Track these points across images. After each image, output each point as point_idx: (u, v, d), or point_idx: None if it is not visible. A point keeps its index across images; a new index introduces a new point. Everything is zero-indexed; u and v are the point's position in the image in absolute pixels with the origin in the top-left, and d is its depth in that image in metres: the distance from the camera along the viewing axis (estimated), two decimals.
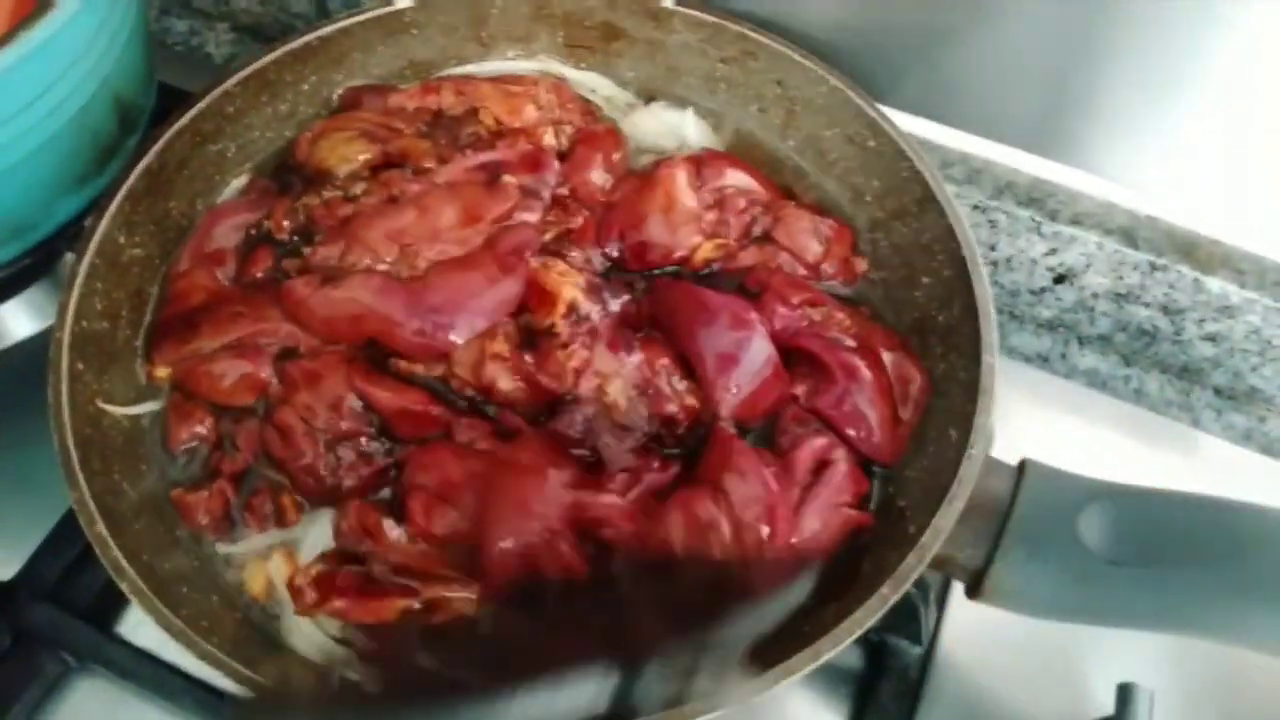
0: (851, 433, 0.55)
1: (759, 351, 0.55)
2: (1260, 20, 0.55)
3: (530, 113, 0.66)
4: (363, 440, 0.54)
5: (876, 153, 0.63)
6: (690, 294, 0.57)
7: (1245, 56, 0.58)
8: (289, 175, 0.64)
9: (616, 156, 0.66)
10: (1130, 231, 0.69)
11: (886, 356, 0.57)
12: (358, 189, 0.61)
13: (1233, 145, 0.63)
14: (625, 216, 0.62)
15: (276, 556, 0.54)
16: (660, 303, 0.58)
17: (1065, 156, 0.69)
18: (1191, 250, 0.68)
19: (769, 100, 0.68)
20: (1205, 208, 0.67)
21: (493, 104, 0.67)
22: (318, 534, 0.54)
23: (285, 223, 0.61)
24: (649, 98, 0.70)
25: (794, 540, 0.50)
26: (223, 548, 0.55)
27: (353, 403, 0.54)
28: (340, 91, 0.68)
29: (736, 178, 0.64)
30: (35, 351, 0.72)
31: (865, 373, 0.56)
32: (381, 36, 0.68)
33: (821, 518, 0.51)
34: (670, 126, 0.69)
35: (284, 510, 0.54)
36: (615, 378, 0.55)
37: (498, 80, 0.69)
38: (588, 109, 0.69)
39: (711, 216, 0.63)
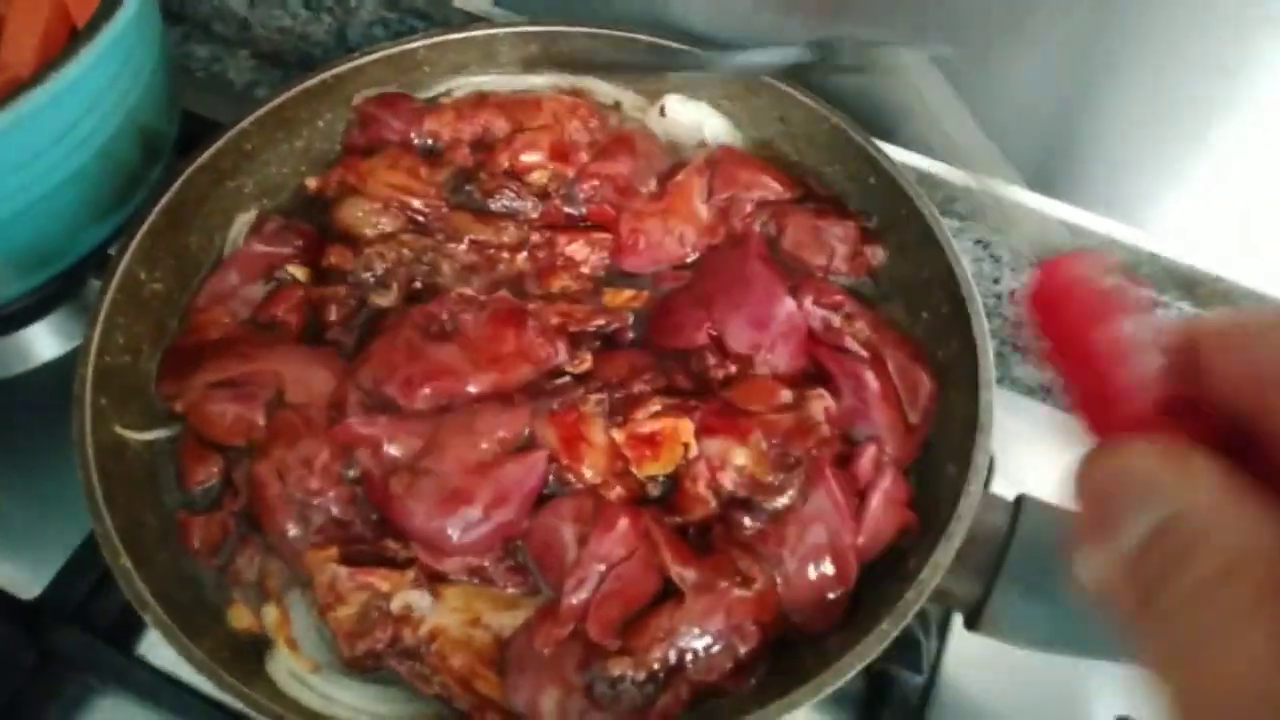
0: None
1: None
2: (1258, 63, 0.56)
3: (550, 118, 0.68)
4: (333, 504, 0.54)
5: (876, 190, 0.64)
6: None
7: (1244, 97, 0.59)
8: (314, 217, 0.66)
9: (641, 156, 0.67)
10: (1131, 268, 0.70)
11: (896, 362, 0.59)
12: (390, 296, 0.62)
13: (1233, 183, 0.64)
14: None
15: (271, 609, 0.53)
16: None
17: (1067, 194, 0.70)
18: (1192, 287, 0.69)
19: (772, 136, 0.69)
20: (1206, 245, 0.68)
21: (517, 115, 0.68)
22: (303, 609, 0.53)
23: (334, 315, 0.62)
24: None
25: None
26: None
27: (327, 462, 0.54)
28: (356, 102, 0.69)
29: (749, 179, 0.66)
30: (60, 372, 0.74)
31: (872, 382, 0.58)
32: (394, 74, 0.69)
33: (880, 515, 0.53)
34: (691, 122, 0.70)
35: (266, 581, 0.54)
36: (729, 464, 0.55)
37: (517, 98, 0.70)
38: (604, 117, 0.70)
39: (714, 221, 0.64)
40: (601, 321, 0.61)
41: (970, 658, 0.61)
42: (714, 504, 0.53)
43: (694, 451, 0.54)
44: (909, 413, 0.57)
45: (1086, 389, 0.29)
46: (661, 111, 0.70)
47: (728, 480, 0.53)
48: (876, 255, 0.65)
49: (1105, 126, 0.65)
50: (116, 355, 0.57)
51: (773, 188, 0.66)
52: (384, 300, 0.61)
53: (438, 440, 0.54)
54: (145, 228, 0.59)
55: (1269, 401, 0.24)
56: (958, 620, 0.60)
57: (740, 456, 0.54)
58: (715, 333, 0.59)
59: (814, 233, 0.64)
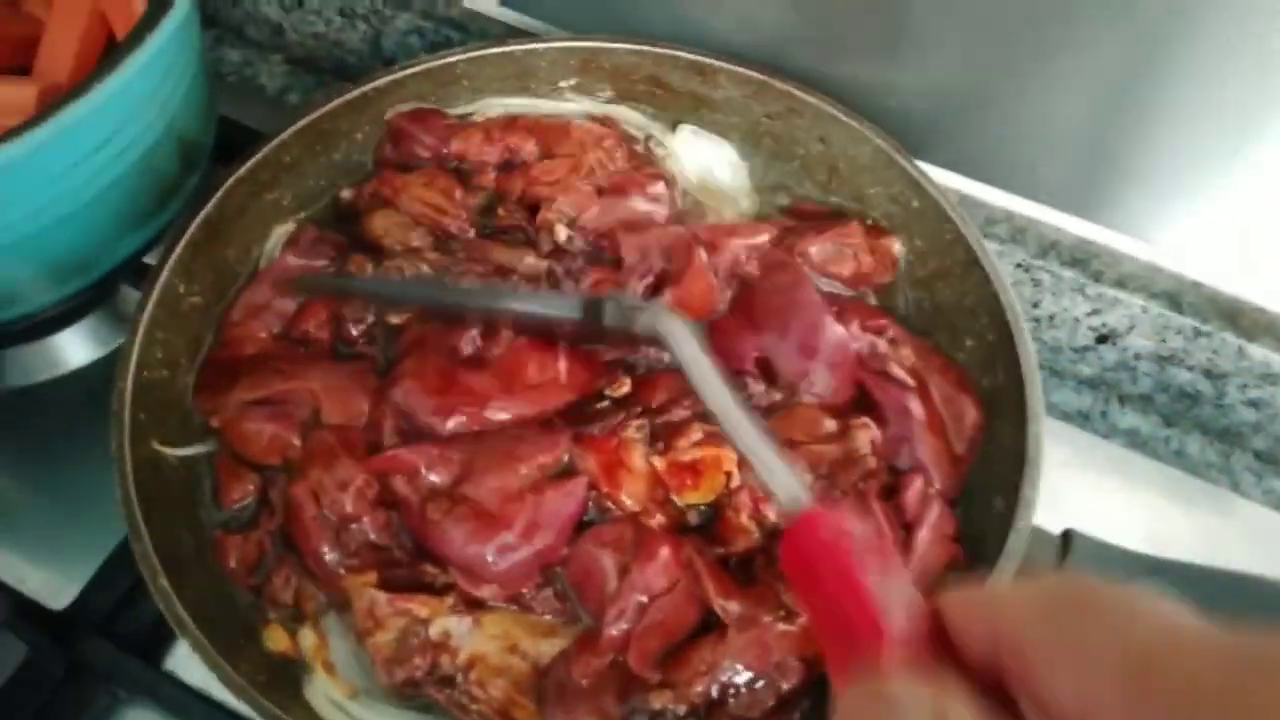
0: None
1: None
2: None
3: (576, 146, 0.67)
4: (370, 529, 0.53)
5: (919, 213, 0.63)
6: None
7: None
8: (346, 229, 0.66)
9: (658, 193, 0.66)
10: (1175, 296, 0.69)
11: (941, 390, 0.58)
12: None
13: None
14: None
15: (308, 632, 0.52)
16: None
17: (1110, 220, 0.69)
18: (1236, 317, 0.68)
19: (813, 157, 0.68)
20: (1250, 275, 0.67)
21: (546, 140, 0.68)
22: (340, 633, 0.52)
23: (352, 329, 0.61)
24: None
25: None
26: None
27: (362, 486, 0.53)
28: (388, 116, 0.68)
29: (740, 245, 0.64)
30: (90, 380, 0.74)
31: (918, 411, 0.57)
32: (433, 88, 0.69)
33: (927, 550, 0.52)
34: (705, 162, 0.70)
35: (303, 604, 0.53)
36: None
37: (546, 123, 0.69)
38: (634, 150, 0.69)
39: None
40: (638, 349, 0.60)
41: None
42: (757, 535, 0.53)
43: (736, 481, 0.53)
44: (954, 443, 0.56)
45: (836, 639, 0.30)
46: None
47: (771, 513, 0.52)
48: (895, 246, 0.64)
49: (1149, 153, 0.64)
50: (154, 369, 0.56)
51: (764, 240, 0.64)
52: (396, 318, 0.61)
53: (475, 466, 0.54)
54: (185, 240, 0.59)
55: (1010, 669, 0.26)
56: None
57: None
58: (761, 357, 0.58)
59: (830, 244, 0.64)
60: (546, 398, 0.57)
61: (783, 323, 0.59)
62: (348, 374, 0.58)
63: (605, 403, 0.57)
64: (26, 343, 0.73)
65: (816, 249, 0.64)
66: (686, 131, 0.70)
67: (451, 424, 0.55)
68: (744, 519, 0.53)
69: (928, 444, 0.56)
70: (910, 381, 0.58)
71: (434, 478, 0.53)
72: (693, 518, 0.54)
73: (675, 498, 0.54)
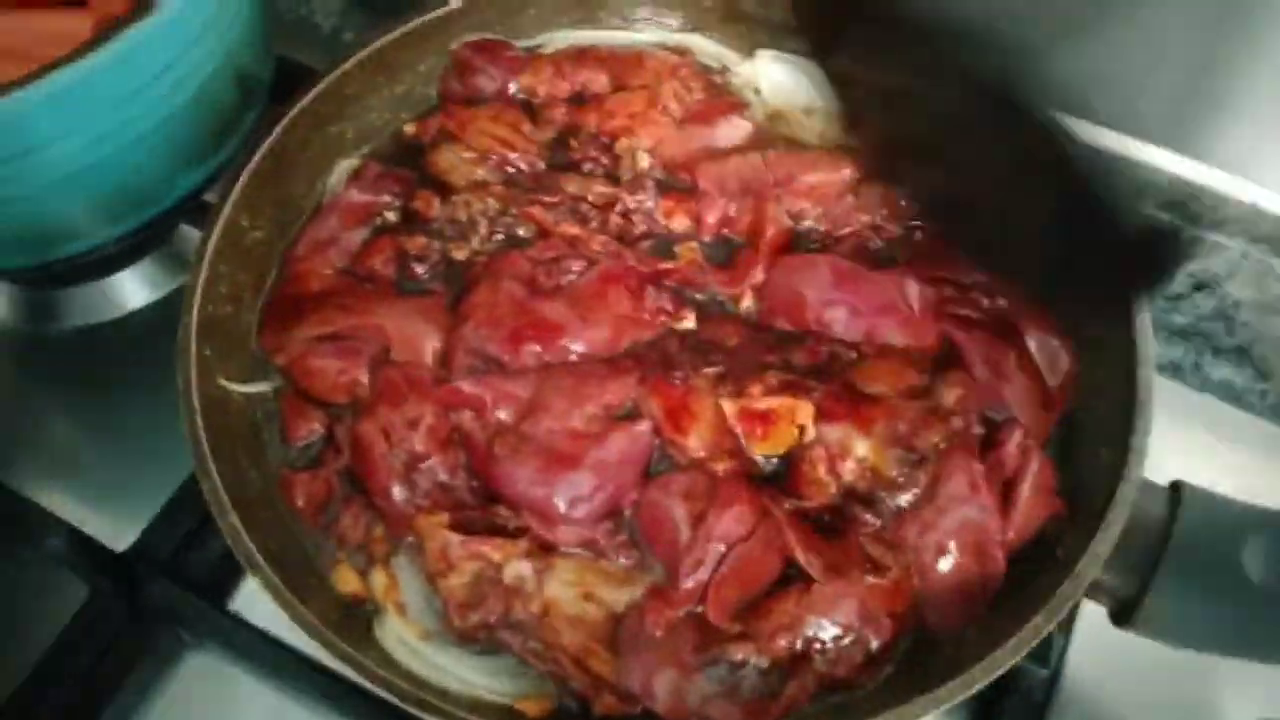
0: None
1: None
2: None
3: (652, 77, 0.64)
4: (439, 469, 0.52)
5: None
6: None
7: None
8: (412, 164, 0.63)
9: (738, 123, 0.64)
10: (1278, 241, 0.65)
11: (1034, 337, 0.55)
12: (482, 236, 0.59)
13: None
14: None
15: (379, 573, 0.51)
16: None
17: (1209, 156, 0.65)
18: None
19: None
20: None
21: (618, 72, 0.65)
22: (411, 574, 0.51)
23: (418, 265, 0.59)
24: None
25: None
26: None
27: (433, 424, 0.52)
28: (453, 48, 0.66)
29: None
30: (148, 321, 0.73)
31: (1009, 358, 0.54)
32: (499, 16, 0.66)
33: (1030, 504, 0.50)
34: (785, 87, 0.67)
35: (372, 545, 0.52)
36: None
37: (619, 54, 0.66)
38: (711, 80, 0.66)
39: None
40: (719, 288, 0.57)
41: (1098, 653, 0.58)
42: (834, 490, 0.50)
43: (810, 435, 0.51)
44: (1049, 389, 0.53)
45: None
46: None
47: (847, 472, 0.50)
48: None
49: (1254, 84, 0.60)
50: (219, 305, 0.55)
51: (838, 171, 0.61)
52: (460, 253, 0.59)
53: (541, 403, 0.52)
54: (248, 173, 0.57)
55: None
56: (1085, 613, 0.57)
57: (862, 447, 0.51)
58: (838, 311, 0.56)
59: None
60: (622, 331, 0.55)
61: (858, 279, 0.56)
62: (417, 309, 0.56)
63: (674, 342, 0.55)
64: (86, 282, 0.72)
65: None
66: (766, 56, 0.67)
67: (524, 355, 0.53)
68: (821, 473, 0.51)
69: (1021, 391, 0.53)
70: (999, 328, 0.55)
71: (500, 414, 0.52)
72: (766, 467, 0.52)
73: (746, 447, 0.51)
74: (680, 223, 0.60)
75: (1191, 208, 0.67)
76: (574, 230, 0.58)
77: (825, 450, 0.51)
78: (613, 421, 0.52)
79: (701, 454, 0.52)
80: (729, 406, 0.52)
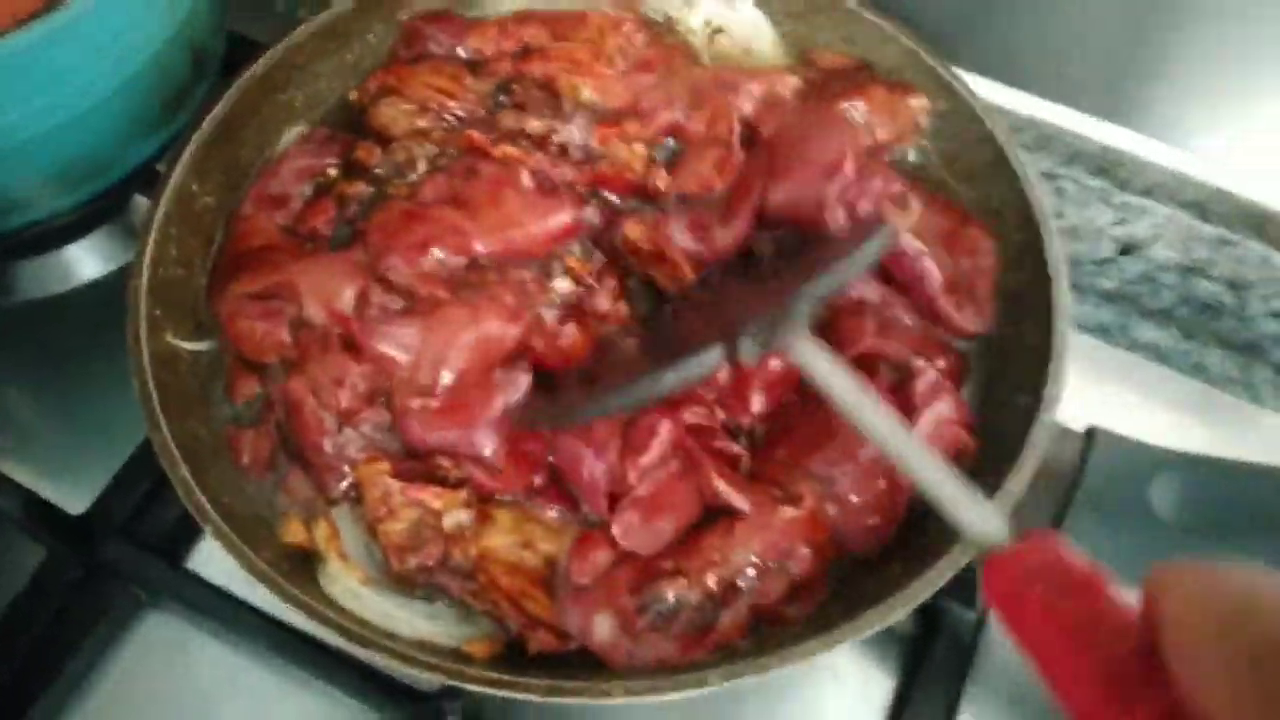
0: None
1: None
2: None
3: (595, 32, 0.65)
4: (369, 425, 0.52)
5: (949, 114, 0.62)
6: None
7: None
8: (357, 129, 0.64)
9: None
10: (1202, 205, 0.68)
11: (953, 230, 0.57)
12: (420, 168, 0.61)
13: None
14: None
15: (321, 523, 0.52)
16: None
17: (1137, 123, 0.68)
18: (1263, 226, 0.67)
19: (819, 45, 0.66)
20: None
21: (561, 30, 0.66)
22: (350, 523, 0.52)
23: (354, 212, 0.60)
24: None
25: None
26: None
27: (356, 380, 0.52)
28: (402, 17, 0.67)
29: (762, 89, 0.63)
30: (102, 293, 0.73)
31: (932, 270, 0.56)
32: None
33: (930, 434, 0.51)
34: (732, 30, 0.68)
35: (317, 500, 0.53)
36: None
37: (561, 13, 0.67)
38: (655, 32, 0.67)
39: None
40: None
41: None
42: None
43: None
44: (974, 279, 0.57)
45: (1062, 676, 0.28)
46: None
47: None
48: (913, 102, 0.62)
49: (1179, 54, 0.62)
50: (170, 267, 0.56)
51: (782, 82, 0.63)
52: (398, 192, 0.59)
53: (434, 348, 0.53)
54: (196, 139, 0.58)
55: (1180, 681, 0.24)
56: None
57: None
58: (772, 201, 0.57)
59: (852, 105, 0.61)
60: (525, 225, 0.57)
61: (805, 149, 0.57)
62: (334, 264, 0.56)
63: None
64: (39, 254, 0.73)
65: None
66: (711, 5, 0.67)
67: (427, 264, 0.54)
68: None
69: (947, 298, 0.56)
70: (920, 245, 0.56)
71: (400, 362, 0.53)
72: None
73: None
74: (619, 149, 0.61)
75: (1119, 174, 0.69)
76: (511, 151, 0.59)
77: None
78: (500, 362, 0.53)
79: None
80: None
